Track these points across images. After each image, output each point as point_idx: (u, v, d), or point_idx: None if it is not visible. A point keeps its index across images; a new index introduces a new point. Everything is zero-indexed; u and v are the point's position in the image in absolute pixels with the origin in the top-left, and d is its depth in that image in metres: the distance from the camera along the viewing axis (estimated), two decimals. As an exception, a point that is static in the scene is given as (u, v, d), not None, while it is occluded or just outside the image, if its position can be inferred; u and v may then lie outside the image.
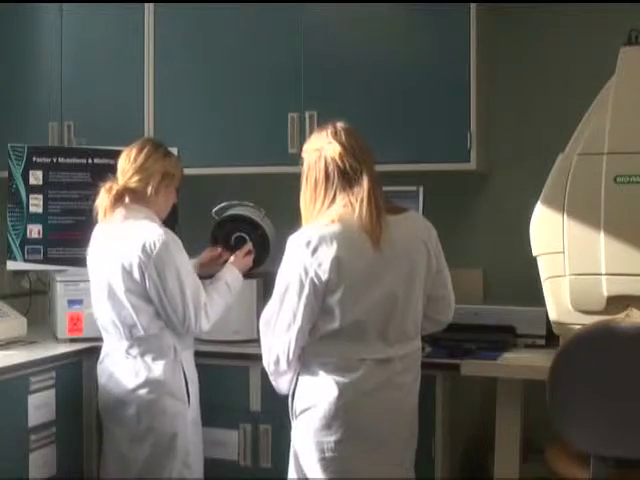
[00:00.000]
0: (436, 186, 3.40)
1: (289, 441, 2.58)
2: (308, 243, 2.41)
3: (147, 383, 2.84)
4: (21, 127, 3.87)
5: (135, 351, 2.87)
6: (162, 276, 2.78)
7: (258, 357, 2.67)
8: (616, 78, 2.71)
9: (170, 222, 3.07)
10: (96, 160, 3.56)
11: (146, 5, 3.70)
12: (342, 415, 2.42)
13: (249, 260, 3.19)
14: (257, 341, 2.70)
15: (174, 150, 3.13)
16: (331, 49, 3.46)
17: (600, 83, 2.76)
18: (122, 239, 2.83)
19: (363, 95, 3.40)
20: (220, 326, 2.95)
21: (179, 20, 3.69)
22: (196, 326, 2.84)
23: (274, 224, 3.43)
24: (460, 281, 2.91)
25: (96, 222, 2.94)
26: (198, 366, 2.99)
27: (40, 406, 3.09)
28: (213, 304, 2.89)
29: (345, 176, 2.46)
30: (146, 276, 2.78)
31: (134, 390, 2.85)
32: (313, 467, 2.47)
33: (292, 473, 2.56)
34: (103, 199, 2.88)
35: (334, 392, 2.42)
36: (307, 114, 3.44)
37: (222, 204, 3.47)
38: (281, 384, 2.58)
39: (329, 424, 2.42)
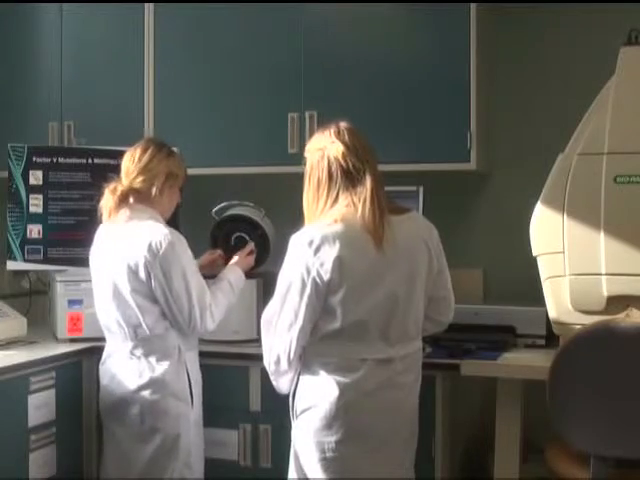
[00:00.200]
0: (436, 186, 3.40)
1: (289, 441, 2.58)
2: (311, 242, 2.40)
3: (151, 383, 2.84)
4: (21, 127, 3.87)
5: (139, 351, 2.86)
6: (168, 276, 2.78)
7: (258, 357, 2.67)
8: (616, 78, 2.71)
9: (172, 222, 3.07)
10: (96, 160, 3.56)
11: (146, 5, 3.70)
12: (343, 415, 2.41)
13: (251, 260, 3.19)
14: (257, 341, 2.70)
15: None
16: (331, 49, 3.46)
17: (600, 83, 2.76)
18: (128, 239, 2.83)
19: (363, 95, 3.40)
20: (220, 326, 2.94)
21: (179, 20, 3.69)
22: (202, 326, 2.84)
23: (274, 224, 3.42)
24: (460, 281, 2.91)
25: (100, 222, 2.94)
26: (198, 366, 3.00)
27: (40, 406, 3.09)
28: (218, 304, 2.89)
29: (348, 176, 2.45)
30: (152, 276, 2.78)
31: (138, 390, 2.84)
32: (313, 467, 2.47)
33: (292, 473, 2.56)
34: (108, 200, 2.87)
35: (335, 392, 2.42)
36: (307, 114, 3.44)
37: (222, 204, 3.47)
38: (282, 384, 2.57)
39: (330, 424, 2.42)
